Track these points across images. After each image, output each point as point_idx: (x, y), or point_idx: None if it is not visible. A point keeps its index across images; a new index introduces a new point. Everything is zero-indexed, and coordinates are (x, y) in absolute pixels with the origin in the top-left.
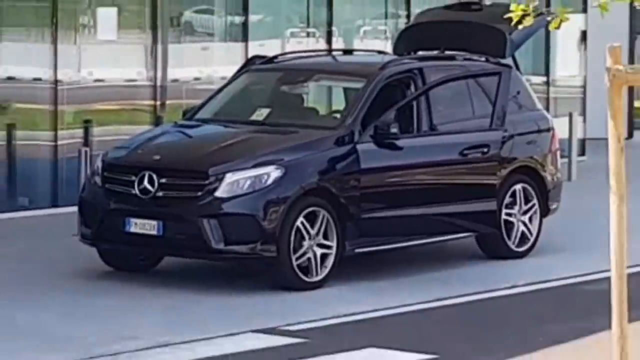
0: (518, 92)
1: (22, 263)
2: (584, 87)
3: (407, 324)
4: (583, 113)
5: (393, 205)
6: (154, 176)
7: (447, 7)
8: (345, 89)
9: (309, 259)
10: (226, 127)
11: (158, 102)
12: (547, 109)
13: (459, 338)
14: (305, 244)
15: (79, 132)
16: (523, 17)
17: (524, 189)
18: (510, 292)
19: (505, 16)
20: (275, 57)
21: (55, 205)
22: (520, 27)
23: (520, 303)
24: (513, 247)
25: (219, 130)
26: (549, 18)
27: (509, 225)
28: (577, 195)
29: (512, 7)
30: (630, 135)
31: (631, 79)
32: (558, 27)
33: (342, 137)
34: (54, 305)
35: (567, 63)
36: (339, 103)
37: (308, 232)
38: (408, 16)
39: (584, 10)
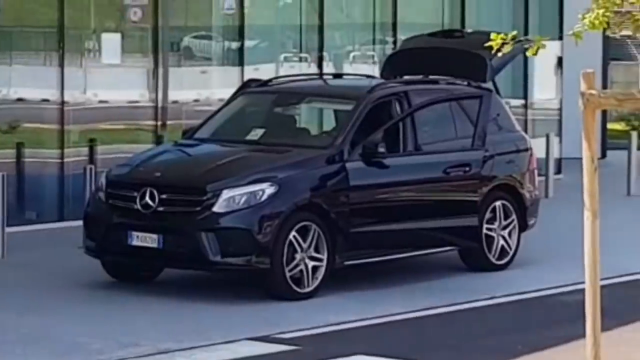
0: (498, 114)
1: (29, 274)
2: (560, 109)
3: (394, 332)
4: (559, 134)
5: (380, 220)
6: (155, 192)
7: (431, 35)
8: (336, 111)
9: (301, 270)
10: (223, 146)
11: (159, 123)
12: (526, 130)
13: (443, 346)
14: (298, 256)
15: (84, 150)
16: (502, 45)
17: (503, 205)
18: (491, 302)
19: (486, 44)
20: (270, 80)
21: (61, 220)
22: (500, 54)
23: (499, 313)
24: (493, 260)
25: (216, 149)
26: (526, 46)
27: (490, 239)
28: (553, 212)
29: (492, 36)
30: (603, 155)
31: (604, 102)
32: (536, 54)
33: (333, 156)
34: (59, 313)
35: (544, 87)
36: (329, 124)
37: (300, 246)
38: (395, 42)
39: (560, 38)
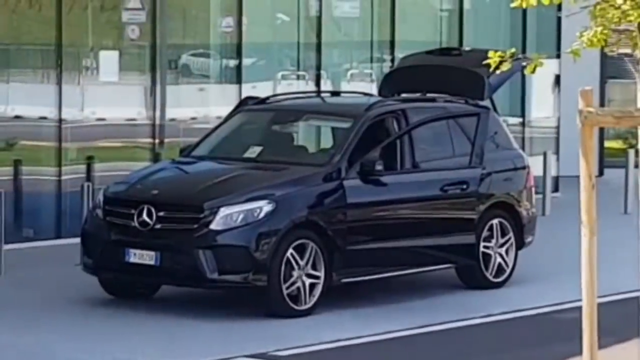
0: (495, 132)
1: (27, 290)
2: (557, 127)
3: (390, 349)
4: (557, 152)
5: (378, 238)
6: (153, 210)
7: (429, 52)
8: (333, 129)
9: (298, 288)
10: (221, 163)
11: (157, 140)
12: (523, 148)
13: None
14: (295, 274)
15: (82, 167)
16: (500, 62)
17: (500, 223)
18: (488, 320)
19: (484, 62)
20: (267, 98)
21: (59, 237)
22: (497, 71)
23: (496, 330)
24: (490, 277)
25: (213, 166)
26: (524, 63)
27: (487, 257)
28: (550, 229)
29: (490, 53)
30: (601, 173)
31: (601, 120)
32: (533, 72)
33: (330, 173)
34: (57, 330)
35: (541, 105)
36: (327, 142)
37: (297, 263)
38: (392, 60)
39: (558, 56)
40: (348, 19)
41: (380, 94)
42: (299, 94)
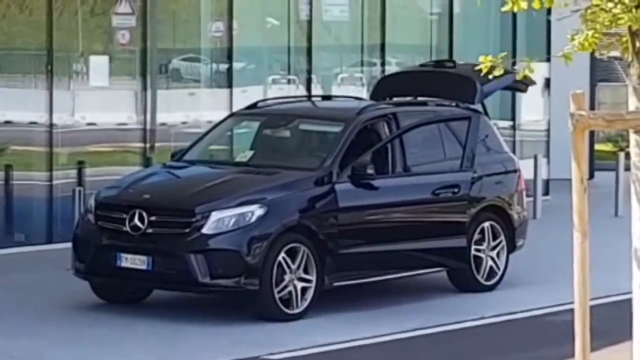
0: (486, 136)
1: (18, 296)
2: (547, 130)
3: (383, 353)
4: (547, 155)
5: (369, 241)
6: (144, 214)
7: (422, 66)
8: (324, 133)
9: (290, 292)
10: (212, 168)
11: (147, 145)
12: (514, 151)
13: None
14: (287, 277)
15: (73, 172)
16: (492, 68)
17: (492, 226)
18: (479, 323)
19: (476, 68)
20: (256, 103)
21: (50, 242)
22: (491, 78)
23: (488, 333)
24: (482, 280)
25: (205, 171)
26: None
27: (478, 260)
28: (542, 232)
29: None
30: (591, 176)
31: (593, 123)
32: (526, 78)
33: (321, 177)
34: (48, 335)
35: (532, 108)
36: (318, 146)
37: (289, 267)
38: (383, 64)
39: (548, 60)
40: (338, 23)
41: (372, 97)
42: (290, 98)
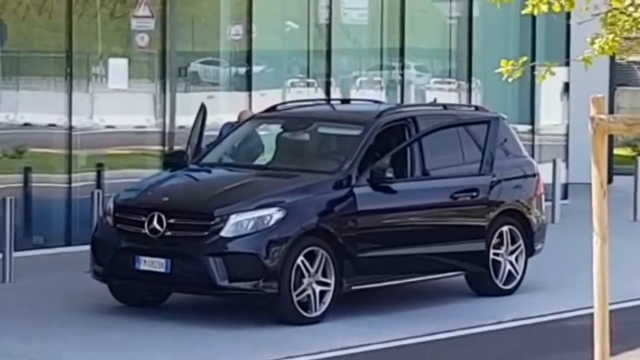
0: (505, 140)
1: (37, 298)
2: (566, 135)
3: (400, 357)
4: (566, 159)
5: (388, 245)
6: (163, 217)
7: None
8: (344, 136)
9: (308, 295)
10: (231, 171)
11: (166, 148)
12: (533, 155)
13: None
14: (305, 281)
15: (92, 175)
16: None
17: (510, 230)
18: (498, 327)
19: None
20: (276, 106)
21: (69, 244)
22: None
23: (506, 338)
24: (500, 285)
25: (224, 174)
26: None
27: (497, 264)
28: (560, 237)
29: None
30: (610, 180)
31: (613, 127)
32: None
33: (340, 181)
34: (67, 337)
35: (550, 113)
36: (337, 149)
37: (308, 270)
38: (402, 67)
39: (567, 64)
40: (357, 27)
41: None
42: (309, 101)
